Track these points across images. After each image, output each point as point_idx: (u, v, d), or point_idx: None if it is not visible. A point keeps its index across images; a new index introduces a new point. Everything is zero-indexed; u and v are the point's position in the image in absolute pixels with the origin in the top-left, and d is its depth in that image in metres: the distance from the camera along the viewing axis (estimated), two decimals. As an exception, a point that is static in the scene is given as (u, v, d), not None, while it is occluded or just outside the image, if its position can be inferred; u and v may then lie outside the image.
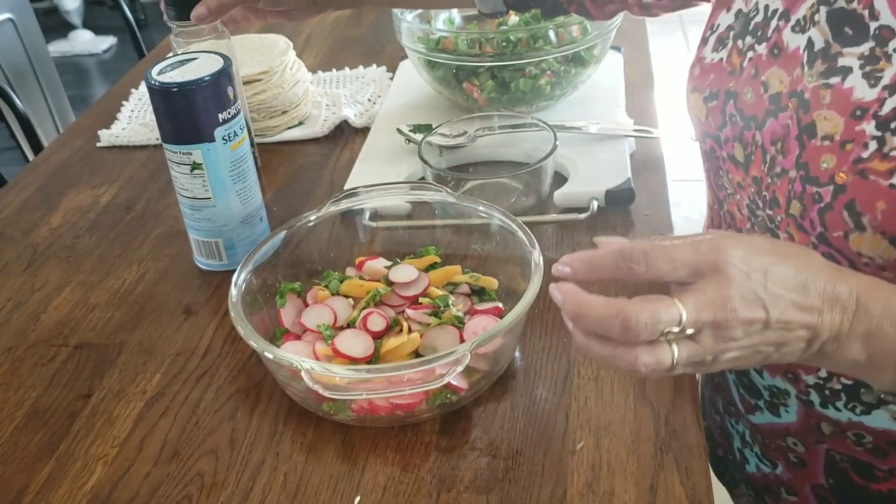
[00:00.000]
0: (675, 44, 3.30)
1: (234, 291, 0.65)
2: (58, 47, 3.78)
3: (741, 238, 0.48)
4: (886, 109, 0.49)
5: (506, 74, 0.94)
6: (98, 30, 3.99)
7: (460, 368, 0.56)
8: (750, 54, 0.59)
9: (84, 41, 3.94)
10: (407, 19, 0.99)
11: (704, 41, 0.65)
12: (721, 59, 0.62)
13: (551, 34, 0.92)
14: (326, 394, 0.56)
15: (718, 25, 0.64)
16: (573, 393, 0.62)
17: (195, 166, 0.73)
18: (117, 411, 0.65)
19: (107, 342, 0.72)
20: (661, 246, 0.46)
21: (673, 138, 0.94)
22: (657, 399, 0.61)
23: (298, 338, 0.67)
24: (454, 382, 0.60)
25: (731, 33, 0.62)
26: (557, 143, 0.81)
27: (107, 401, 0.66)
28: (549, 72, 0.94)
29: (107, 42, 3.94)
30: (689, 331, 0.45)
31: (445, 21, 1.04)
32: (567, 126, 0.92)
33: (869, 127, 0.50)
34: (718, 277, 0.45)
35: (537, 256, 0.63)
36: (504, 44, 0.92)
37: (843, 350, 0.48)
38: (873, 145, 0.49)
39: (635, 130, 0.92)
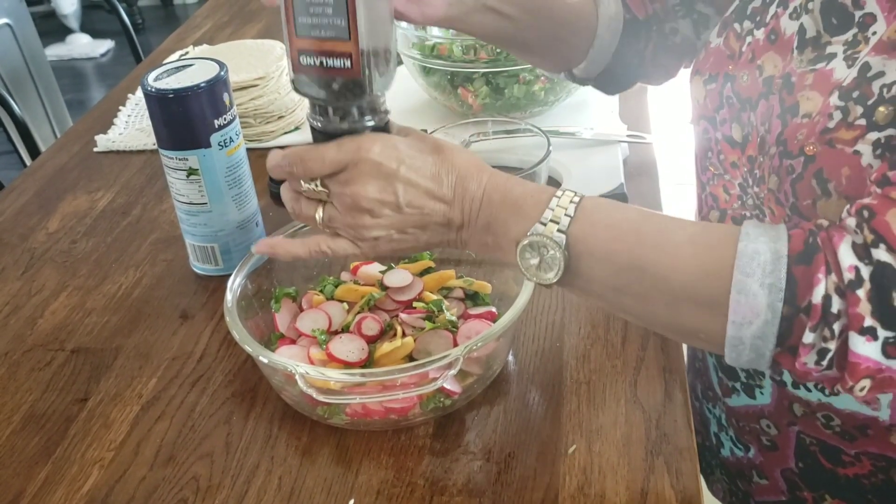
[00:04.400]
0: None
1: (229, 296, 0.65)
2: (55, 51, 3.78)
3: (383, 136, 0.56)
4: (848, 80, 0.51)
5: (500, 80, 0.94)
6: (95, 34, 4.00)
7: (453, 372, 0.56)
8: (749, 39, 0.61)
9: (81, 45, 3.94)
10: (402, 25, 1.00)
11: (714, 26, 0.68)
12: (720, 43, 0.64)
13: (545, 40, 0.93)
14: (321, 398, 0.56)
15: (728, 11, 0.66)
16: (565, 397, 0.63)
17: (191, 172, 0.74)
18: (113, 415, 0.66)
19: (103, 346, 0.73)
20: (314, 147, 0.56)
21: (666, 144, 0.95)
22: (648, 403, 0.62)
23: (293, 342, 0.68)
24: (448, 386, 0.60)
25: (731, 17, 0.64)
26: (551, 148, 0.82)
27: (103, 405, 0.67)
28: (543, 77, 0.94)
29: (104, 46, 3.94)
30: (317, 187, 0.56)
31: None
32: (561, 131, 0.93)
33: (833, 98, 0.52)
34: (356, 167, 0.55)
35: None
36: (498, 50, 0.93)
37: (476, 236, 0.56)
38: (837, 115, 0.52)
39: (628, 136, 0.93)
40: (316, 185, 0.56)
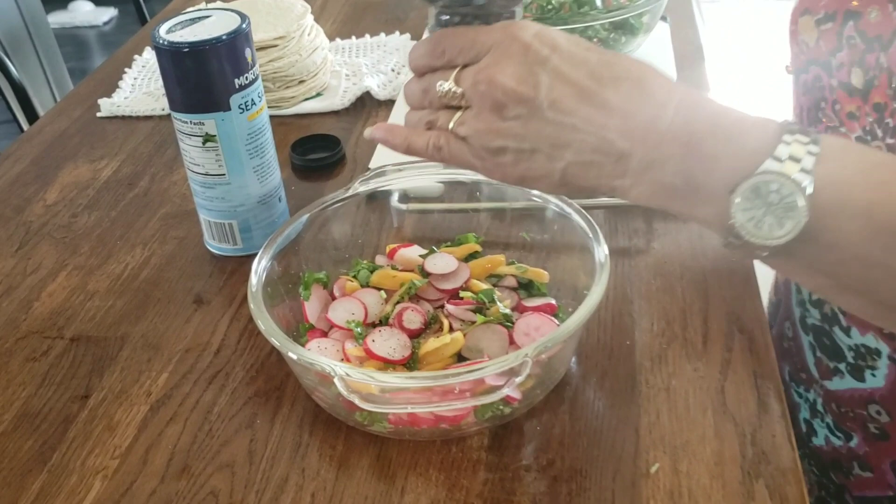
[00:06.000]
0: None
1: (254, 280, 0.57)
2: (57, 18, 3.67)
3: (540, 24, 0.45)
4: None
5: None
6: (98, 1, 3.88)
7: (520, 379, 0.48)
8: None
9: (84, 12, 3.83)
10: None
11: None
12: None
13: (599, -1, 0.84)
14: (365, 406, 0.48)
15: None
16: (642, 405, 0.54)
17: (208, 138, 0.65)
18: (118, 416, 0.57)
19: (107, 335, 0.64)
20: (463, 27, 0.47)
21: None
22: (740, 414, 0.53)
23: (325, 335, 0.59)
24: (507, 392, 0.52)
25: None
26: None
27: (106, 403, 0.58)
28: (595, 40, 0.85)
29: (107, 14, 3.83)
30: (453, 88, 0.45)
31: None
32: (615, 101, 0.83)
33: None
34: (499, 47, 0.44)
35: (602, 255, 0.55)
36: (547, 6, 0.84)
37: (652, 173, 0.42)
38: None
39: (691, 107, 0.83)
40: (453, 87, 0.45)
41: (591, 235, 0.57)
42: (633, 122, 0.42)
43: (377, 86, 0.96)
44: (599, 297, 0.52)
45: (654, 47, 0.95)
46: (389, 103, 0.94)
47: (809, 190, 0.39)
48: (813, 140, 0.40)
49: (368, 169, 0.80)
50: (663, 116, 0.42)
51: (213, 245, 0.72)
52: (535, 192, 0.63)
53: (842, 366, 0.62)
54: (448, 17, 0.50)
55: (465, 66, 0.46)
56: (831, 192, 0.40)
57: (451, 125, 0.46)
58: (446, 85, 0.46)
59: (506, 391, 0.47)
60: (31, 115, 1.40)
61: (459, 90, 0.45)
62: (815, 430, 0.69)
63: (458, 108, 0.46)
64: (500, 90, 0.43)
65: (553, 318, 0.58)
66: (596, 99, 0.42)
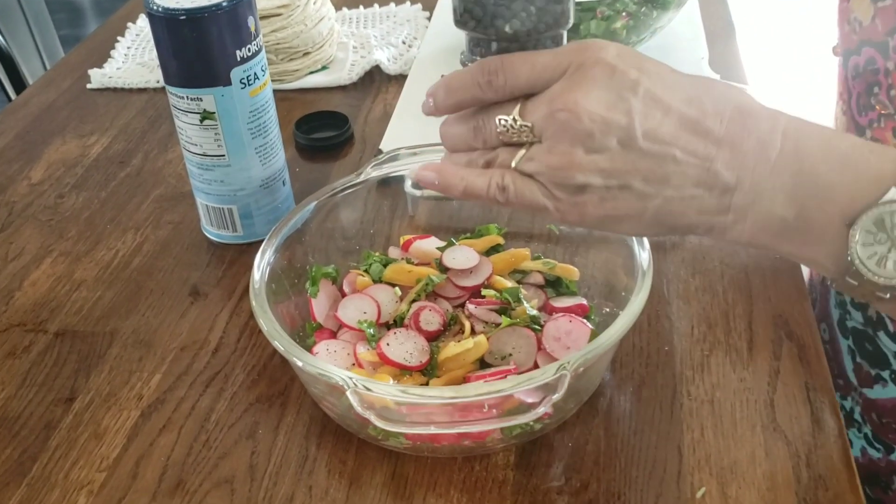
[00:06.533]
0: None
1: (256, 276, 0.51)
2: (50, -18, 3.57)
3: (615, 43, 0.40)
4: None
5: (574, 14, 0.79)
6: (93, -35, 3.78)
7: (558, 396, 0.42)
8: None
9: (78, -23, 3.72)
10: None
11: None
12: None
13: (630, -31, 0.77)
14: (381, 424, 0.43)
15: None
16: (684, 419, 0.49)
17: (206, 115, 0.59)
18: (106, 422, 0.52)
19: (94, 330, 0.59)
20: (522, 53, 0.41)
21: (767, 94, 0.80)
22: (792, 432, 0.48)
23: (333, 335, 0.54)
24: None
25: None
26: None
27: (93, 407, 0.53)
28: (624, 13, 0.79)
29: (102, -22, 3.73)
30: (520, 121, 0.39)
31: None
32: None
33: None
34: (581, 70, 0.38)
35: (645, 257, 0.49)
36: (574, -21, 0.77)
37: (761, 205, 0.38)
38: None
39: (726, 88, 0.78)
40: (519, 120, 0.40)
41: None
42: (742, 151, 0.37)
43: (387, 59, 0.90)
44: (642, 304, 0.46)
45: (684, 22, 0.89)
46: (400, 78, 0.88)
47: None
48: None
49: (380, 151, 0.75)
50: (773, 144, 0.38)
51: (212, 231, 0.66)
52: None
53: (885, 373, 0.58)
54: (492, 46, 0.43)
55: (529, 96, 0.40)
56: None
57: (514, 163, 0.40)
58: (509, 119, 0.40)
59: (541, 410, 0.42)
60: (19, 86, 1.33)
61: (528, 123, 0.39)
62: (850, 441, 0.64)
63: (521, 144, 0.40)
64: (586, 117, 0.37)
65: (585, 321, 0.52)
66: (699, 127, 0.38)
